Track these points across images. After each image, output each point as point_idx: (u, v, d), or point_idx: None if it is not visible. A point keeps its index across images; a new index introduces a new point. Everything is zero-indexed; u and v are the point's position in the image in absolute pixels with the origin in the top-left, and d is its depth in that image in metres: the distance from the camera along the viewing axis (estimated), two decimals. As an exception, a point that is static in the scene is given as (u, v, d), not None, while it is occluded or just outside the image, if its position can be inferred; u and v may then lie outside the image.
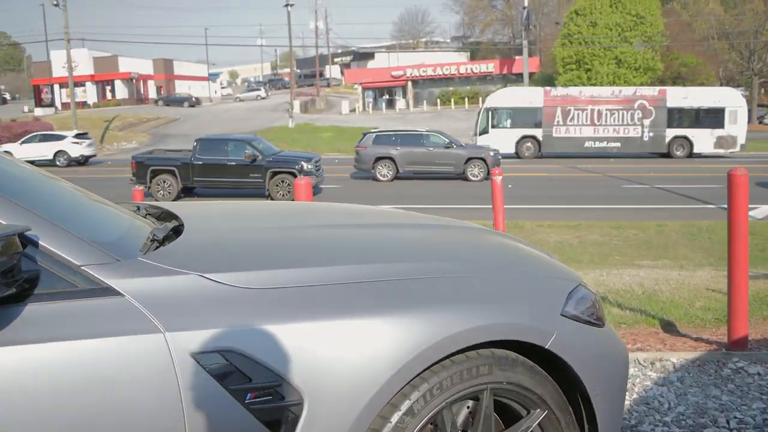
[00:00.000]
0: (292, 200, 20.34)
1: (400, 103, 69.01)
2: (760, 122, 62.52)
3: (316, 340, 2.10)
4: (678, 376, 4.83)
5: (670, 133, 34.67)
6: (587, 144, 34.92)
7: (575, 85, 40.34)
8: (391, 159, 25.81)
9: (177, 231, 2.64)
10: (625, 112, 35.00)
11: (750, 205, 17.68)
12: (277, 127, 53.40)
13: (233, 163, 20.75)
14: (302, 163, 20.69)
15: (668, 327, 6.12)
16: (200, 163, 20.78)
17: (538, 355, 2.53)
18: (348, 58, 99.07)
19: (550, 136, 35.19)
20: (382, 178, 25.90)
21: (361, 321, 2.16)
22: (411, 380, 2.23)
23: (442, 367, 2.29)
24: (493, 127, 35.25)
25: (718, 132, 34.68)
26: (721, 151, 34.89)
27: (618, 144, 35.19)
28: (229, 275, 2.15)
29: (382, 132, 27.09)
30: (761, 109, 66.82)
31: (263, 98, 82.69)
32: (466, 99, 64.63)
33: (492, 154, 25.99)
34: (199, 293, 2.08)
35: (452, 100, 65.59)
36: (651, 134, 34.34)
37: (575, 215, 17.26)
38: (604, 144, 35.20)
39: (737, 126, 34.33)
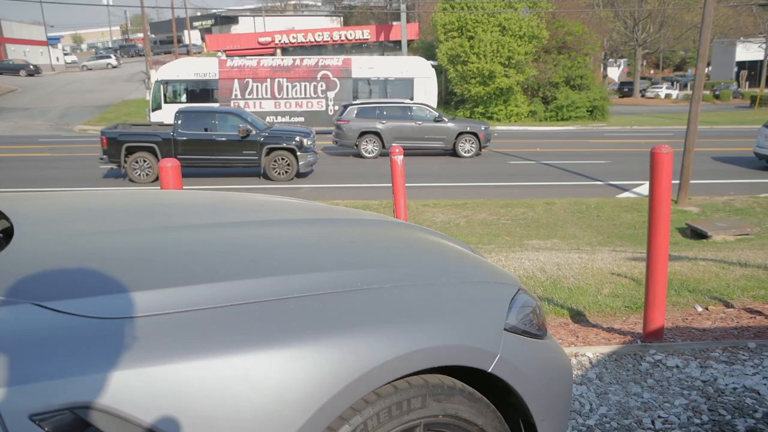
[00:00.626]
0: (291, 179, 19.63)
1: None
2: (642, 95, 65.57)
3: (202, 382, 1.74)
4: (596, 372, 4.78)
5: None
6: (269, 119, 33.77)
7: (457, 54, 40.73)
8: (377, 134, 25.15)
9: (6, 236, 2.22)
10: (308, 84, 34.63)
11: (637, 182, 18.19)
12: (134, 100, 51.14)
13: (223, 139, 19.53)
14: (302, 138, 19.63)
15: (578, 317, 6.11)
16: (184, 138, 19.39)
17: (476, 377, 2.31)
18: (209, 23, 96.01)
19: None
20: (367, 155, 25.16)
21: (258, 356, 1.82)
22: (329, 425, 1.95)
23: (366, 404, 2.01)
24: (166, 102, 33.53)
25: None
26: None
27: (302, 119, 34.59)
28: (77, 302, 1.77)
29: (365, 104, 26.14)
30: (644, 82, 70.09)
31: (114, 67, 78.88)
32: (341, 68, 64.19)
33: (483, 128, 25.39)
34: (35, 329, 1.68)
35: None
36: (336, 107, 33.58)
37: (454, 193, 17.37)
38: (287, 119, 34.64)
39: (427, 97, 33.99)
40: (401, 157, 5.25)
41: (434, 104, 33.62)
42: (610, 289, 6.90)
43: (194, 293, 1.91)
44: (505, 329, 2.31)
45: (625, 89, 67.86)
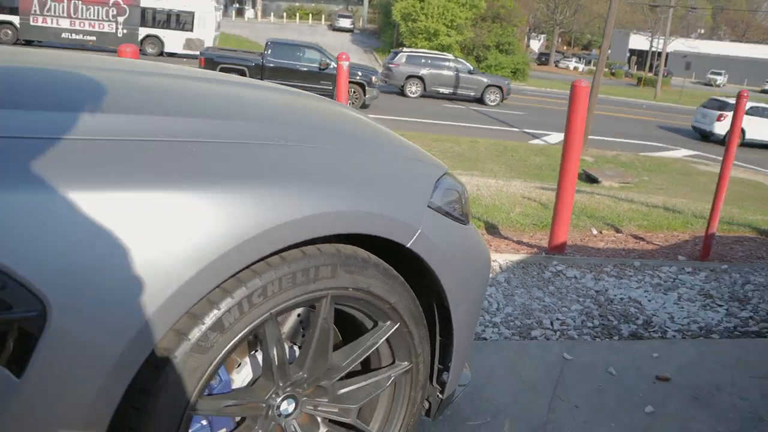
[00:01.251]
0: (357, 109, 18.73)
1: (249, 12, 64.87)
2: (556, 65, 65.25)
3: (68, 219, 1.18)
4: (505, 276, 4.32)
5: (144, 31, 32.37)
6: (64, 35, 32.01)
7: (409, 13, 39.33)
8: (421, 78, 24.60)
9: None
10: (100, 8, 32.33)
11: (547, 132, 17.78)
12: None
13: (305, 69, 18.64)
14: (371, 76, 18.74)
15: (492, 229, 5.64)
16: (272, 65, 18.44)
17: (392, 255, 1.76)
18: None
19: (27, 23, 31.55)
20: (410, 95, 24.58)
21: (145, 194, 1.25)
22: (222, 283, 1.38)
23: (268, 266, 1.45)
24: None
25: (188, 35, 32.82)
26: (190, 52, 32.31)
27: (93, 38, 32.61)
28: None
29: (414, 53, 25.47)
30: (557, 55, 69.76)
31: None
32: (310, 15, 61.95)
33: (506, 83, 25.44)
34: None
35: (297, 14, 62.59)
36: (125, 31, 32.20)
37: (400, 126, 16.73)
38: (80, 36, 32.49)
39: (205, 30, 32.57)
40: (347, 63, 4.59)
41: (211, 38, 32.67)
42: (521, 209, 6.44)
43: (83, 121, 1.28)
44: (428, 206, 1.75)
45: (542, 59, 67.43)
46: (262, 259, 1.45)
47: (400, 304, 1.72)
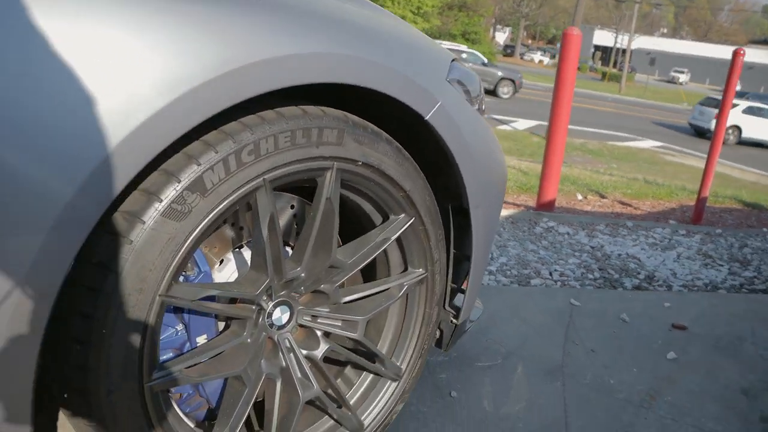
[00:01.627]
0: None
1: None
2: (521, 57, 65.56)
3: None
4: (495, 230, 4.05)
5: None
6: None
7: None
8: None
9: None
10: None
11: (514, 119, 17.69)
12: None
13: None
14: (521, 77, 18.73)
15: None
16: None
17: (405, 139, 1.46)
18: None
19: None
20: None
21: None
22: (204, 134, 1.06)
23: (260, 120, 1.13)
24: None
25: None
26: None
27: None
28: None
29: None
30: (522, 48, 70.14)
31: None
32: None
33: (519, 76, 25.04)
34: None
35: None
36: None
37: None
38: None
39: None
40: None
41: None
42: (502, 175, 6.19)
43: None
44: (447, 80, 1.45)
45: (508, 51, 67.59)
46: (254, 111, 1.13)
47: (416, 194, 1.42)
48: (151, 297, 1.04)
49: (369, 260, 1.41)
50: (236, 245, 1.34)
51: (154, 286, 1.03)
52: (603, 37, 72.02)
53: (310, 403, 1.49)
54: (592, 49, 75.43)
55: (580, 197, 5.79)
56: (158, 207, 1.02)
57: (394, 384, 1.57)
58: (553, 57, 68.94)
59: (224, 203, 1.09)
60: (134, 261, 1.01)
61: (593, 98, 33.85)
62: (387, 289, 1.50)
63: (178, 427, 1.20)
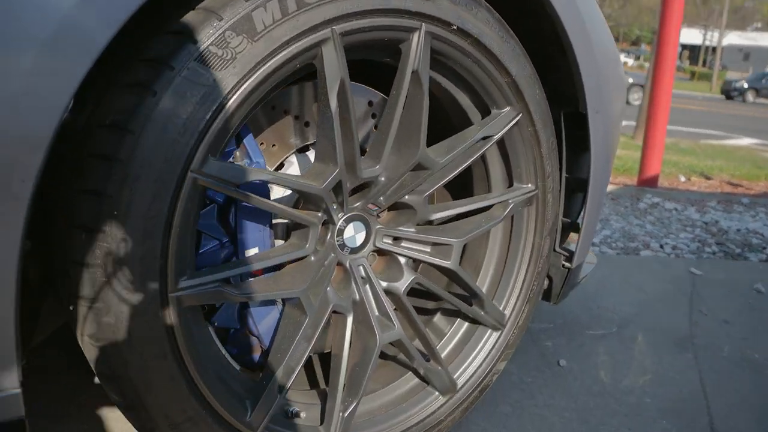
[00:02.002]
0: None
1: None
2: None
3: None
4: (594, 205, 3.66)
5: None
6: None
7: None
8: None
9: None
10: None
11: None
12: None
13: None
14: None
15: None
16: None
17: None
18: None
19: None
20: None
21: None
22: None
23: None
24: None
25: None
26: None
27: None
28: None
29: None
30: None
31: None
32: None
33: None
34: None
35: None
36: None
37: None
38: None
39: None
40: None
41: None
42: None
43: None
44: None
45: (588, 55, 66.04)
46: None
47: (523, 81, 1.11)
48: (179, 171, 0.77)
49: (466, 165, 1.10)
50: (300, 146, 1.07)
51: (183, 157, 0.77)
52: (690, 36, 69.12)
53: (386, 357, 1.20)
54: (680, 48, 72.73)
55: (683, 179, 5.29)
56: (192, 50, 0.76)
57: (496, 334, 1.26)
58: (637, 58, 66.76)
59: (279, 55, 0.82)
60: (158, 119, 0.75)
61: (683, 98, 32.35)
62: (488, 208, 1.19)
63: (220, 367, 0.93)
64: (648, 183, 4.13)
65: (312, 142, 1.08)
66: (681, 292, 2.25)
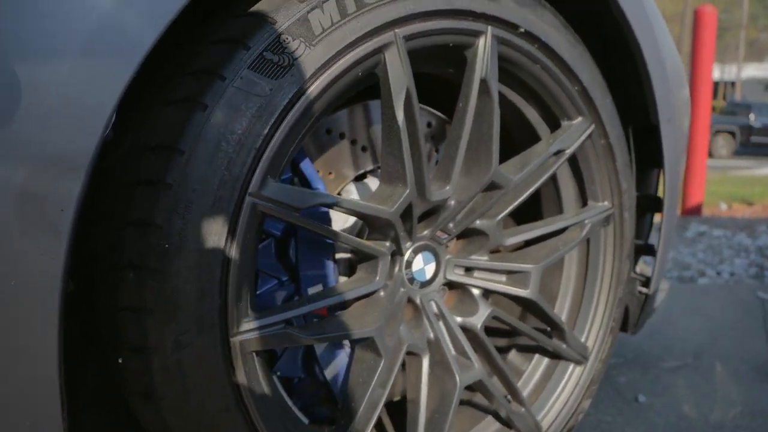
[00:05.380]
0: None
1: None
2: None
3: None
4: (640, 235, 3.49)
5: None
6: None
7: None
8: None
9: None
10: None
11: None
12: None
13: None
14: None
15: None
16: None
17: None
18: None
19: None
20: None
21: None
22: None
23: None
24: None
25: None
26: None
27: None
28: None
29: None
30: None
31: None
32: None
33: None
34: None
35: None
36: None
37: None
38: None
39: None
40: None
41: None
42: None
43: None
44: None
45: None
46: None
47: (595, 90, 0.99)
48: (237, 194, 0.66)
49: (540, 183, 0.98)
50: (358, 173, 0.96)
51: (240, 178, 0.66)
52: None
53: (462, 401, 1.06)
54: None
55: (724, 206, 5.08)
56: (244, 56, 0.66)
57: (579, 369, 1.11)
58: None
59: (340, 61, 0.71)
60: (210, 136, 0.64)
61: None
62: (562, 230, 1.06)
63: (288, 421, 0.80)
64: (692, 212, 3.95)
65: (370, 169, 0.97)
66: (752, 317, 2.07)
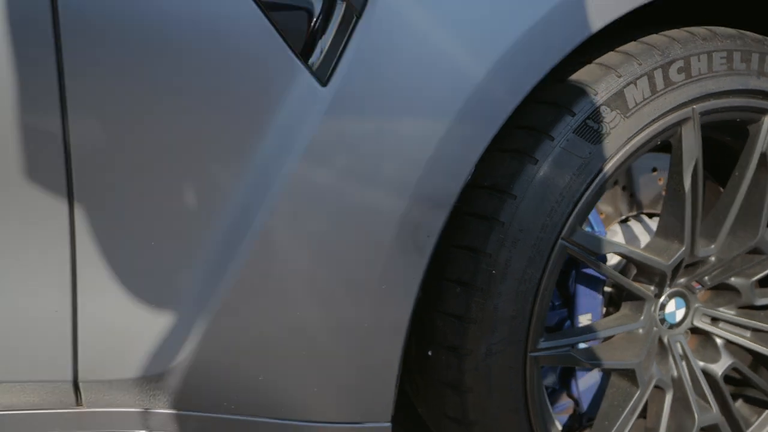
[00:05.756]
0: None
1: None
2: None
3: None
4: None
5: None
6: None
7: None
8: None
9: None
10: None
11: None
12: None
13: None
14: None
15: None
16: None
17: None
18: None
19: None
20: None
21: None
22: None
23: (690, 35, 0.87)
24: None
25: None
26: None
27: None
28: None
29: None
30: None
31: None
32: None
33: None
34: None
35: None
36: None
37: None
38: None
39: None
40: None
41: None
42: None
43: None
44: None
45: None
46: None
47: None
48: (553, 237, 0.81)
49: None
50: (623, 216, 1.07)
51: (557, 225, 0.80)
52: None
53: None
54: None
55: None
56: (570, 122, 0.80)
57: (809, 433, 1.14)
58: None
59: (645, 131, 0.84)
60: (538, 187, 0.79)
61: None
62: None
63: (552, 426, 0.94)
64: None
65: (634, 213, 1.08)
66: None
